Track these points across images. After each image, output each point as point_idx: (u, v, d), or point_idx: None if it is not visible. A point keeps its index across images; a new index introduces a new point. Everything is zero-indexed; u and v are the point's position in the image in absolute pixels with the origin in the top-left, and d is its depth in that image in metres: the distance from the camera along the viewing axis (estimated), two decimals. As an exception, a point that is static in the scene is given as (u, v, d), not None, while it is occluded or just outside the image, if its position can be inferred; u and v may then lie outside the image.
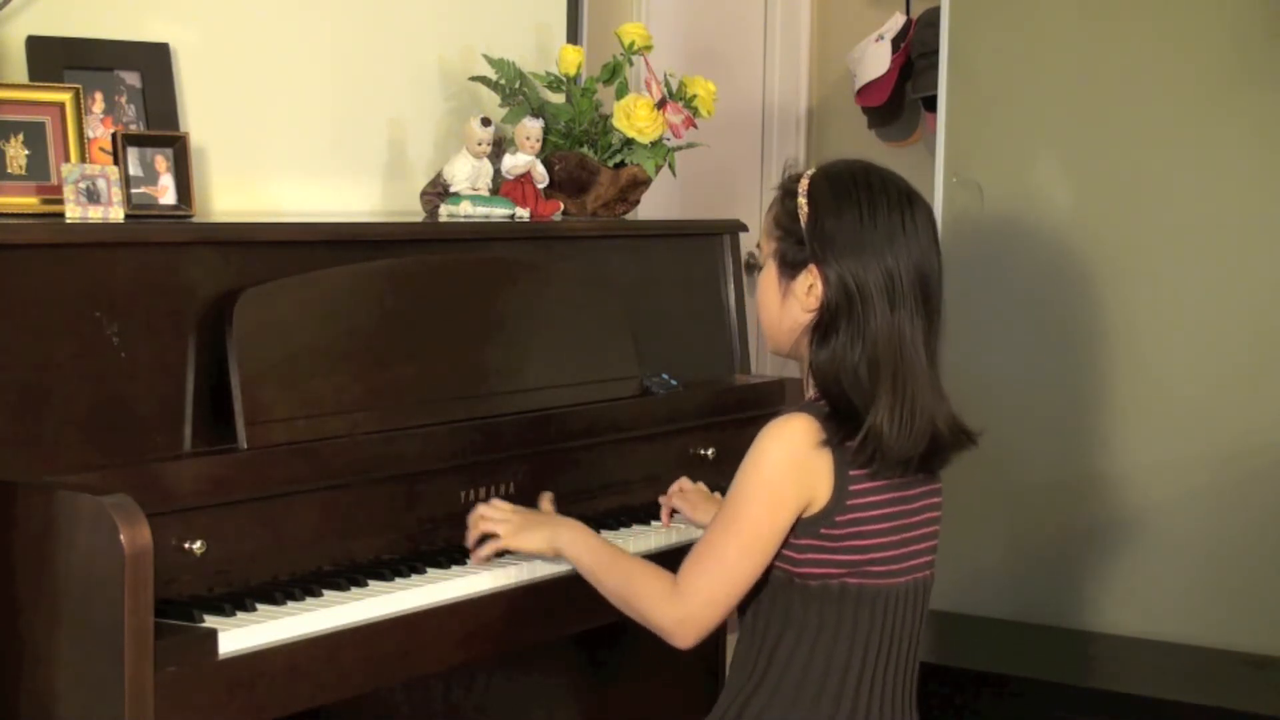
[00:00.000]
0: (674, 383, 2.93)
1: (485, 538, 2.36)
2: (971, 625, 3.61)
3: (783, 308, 2.11)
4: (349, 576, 2.27)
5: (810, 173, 2.11)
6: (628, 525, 2.66)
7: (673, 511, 2.67)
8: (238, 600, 2.13)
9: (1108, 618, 3.49)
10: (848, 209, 2.05)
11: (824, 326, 2.05)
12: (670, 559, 2.21)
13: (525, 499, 2.57)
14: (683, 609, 2.06)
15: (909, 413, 2.01)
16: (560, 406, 2.69)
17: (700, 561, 2.06)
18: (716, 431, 2.95)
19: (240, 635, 2.04)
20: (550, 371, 2.72)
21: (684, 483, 2.67)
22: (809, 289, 2.06)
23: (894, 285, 2.02)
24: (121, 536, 1.91)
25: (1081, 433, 3.52)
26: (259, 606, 2.14)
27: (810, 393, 2.09)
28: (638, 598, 2.11)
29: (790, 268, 2.09)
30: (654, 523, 2.68)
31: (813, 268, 2.06)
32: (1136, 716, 3.14)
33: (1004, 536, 3.62)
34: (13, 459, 2.06)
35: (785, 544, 2.05)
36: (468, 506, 2.50)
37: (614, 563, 2.19)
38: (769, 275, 2.13)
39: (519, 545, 2.30)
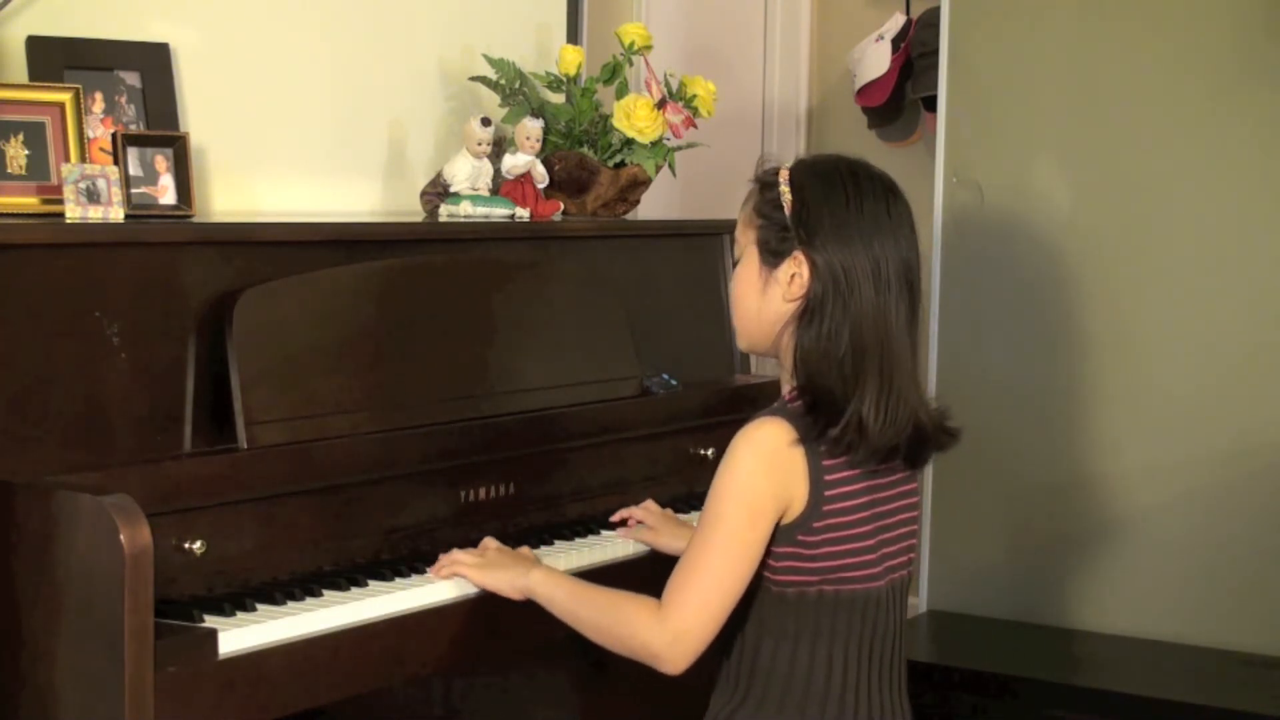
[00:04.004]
0: (674, 383, 2.93)
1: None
2: (970, 625, 3.61)
3: (763, 298, 2.09)
4: (349, 576, 2.27)
5: (789, 165, 2.11)
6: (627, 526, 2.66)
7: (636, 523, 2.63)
8: (238, 600, 2.13)
9: (1105, 618, 3.49)
10: (834, 196, 2.04)
11: (809, 314, 2.03)
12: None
13: (525, 499, 2.57)
14: (673, 627, 2.00)
15: (893, 400, 2.00)
16: (560, 406, 2.69)
17: (686, 577, 2.02)
18: (716, 431, 2.95)
19: (240, 635, 2.04)
20: (550, 371, 2.72)
21: (650, 505, 2.64)
22: (792, 277, 2.05)
23: (880, 271, 2.02)
24: (121, 536, 1.91)
25: (1080, 432, 3.52)
26: (259, 606, 2.13)
27: (786, 390, 2.08)
28: (622, 624, 2.06)
29: (773, 256, 2.07)
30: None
31: (798, 254, 2.04)
32: (1134, 716, 3.14)
33: (1002, 536, 3.62)
34: (13, 459, 2.06)
35: (765, 552, 2.04)
36: (468, 506, 2.50)
37: (591, 595, 2.14)
38: (748, 266, 2.11)
39: (483, 582, 2.25)
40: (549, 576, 2.19)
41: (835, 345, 2.01)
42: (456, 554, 2.31)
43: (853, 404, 2.00)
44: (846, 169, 2.08)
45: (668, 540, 2.54)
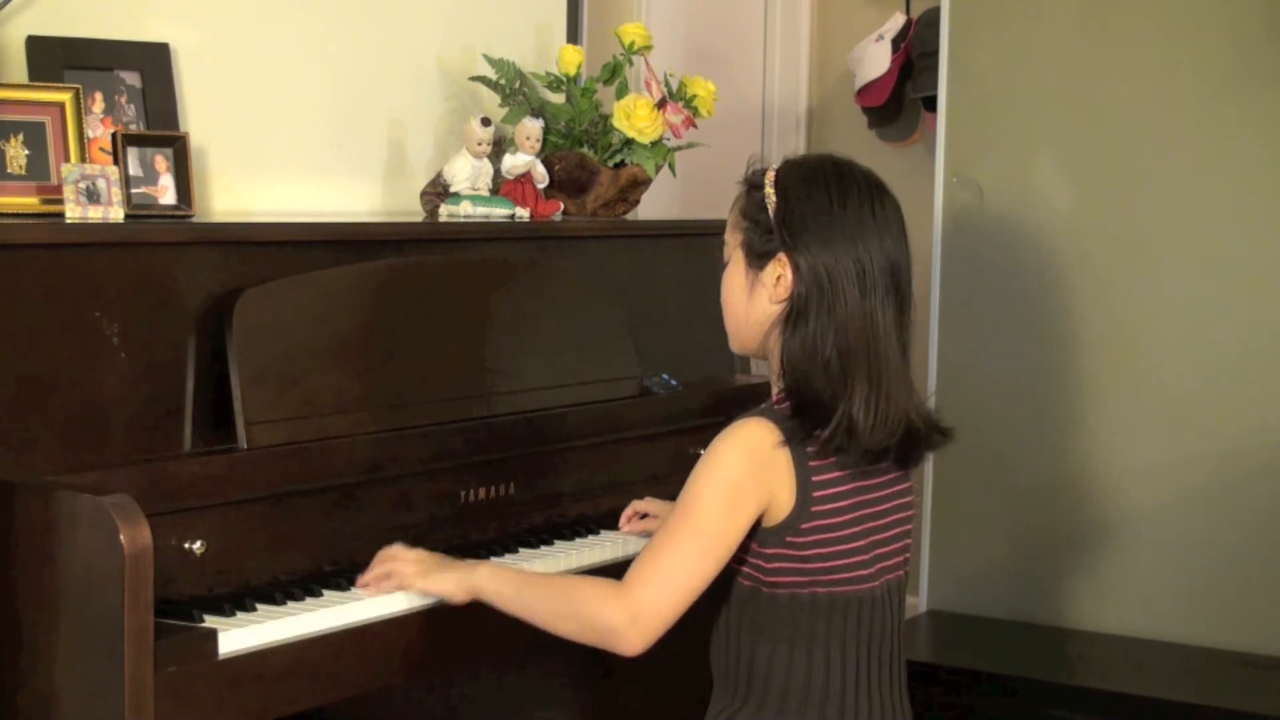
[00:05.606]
0: (674, 383, 2.93)
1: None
2: (969, 624, 3.61)
3: (750, 300, 2.09)
4: (349, 576, 2.27)
5: (776, 166, 2.11)
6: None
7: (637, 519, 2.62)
8: (238, 600, 2.13)
9: (1105, 618, 3.49)
10: (817, 197, 2.04)
11: (795, 316, 2.03)
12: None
13: (525, 499, 2.57)
14: (634, 605, 1.97)
15: (883, 402, 2.00)
16: (560, 407, 2.70)
17: (654, 556, 1.99)
18: (716, 431, 2.94)
19: (240, 635, 2.04)
20: (550, 371, 2.72)
21: (650, 499, 2.64)
22: (777, 279, 2.05)
23: (865, 273, 2.01)
24: (121, 536, 1.91)
25: (1079, 432, 3.52)
26: (259, 606, 2.14)
27: (774, 392, 2.08)
28: (578, 603, 2.02)
29: (758, 258, 2.07)
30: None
31: (782, 256, 2.04)
32: (1133, 716, 3.14)
33: (1001, 536, 3.62)
34: (13, 459, 2.06)
35: (752, 554, 2.03)
36: (467, 506, 2.50)
37: (542, 581, 2.11)
38: (735, 269, 2.10)
39: (426, 587, 2.19)
40: (496, 571, 2.15)
41: (821, 348, 2.01)
42: (397, 563, 2.22)
43: (842, 406, 1.99)
44: (832, 169, 2.07)
45: None
